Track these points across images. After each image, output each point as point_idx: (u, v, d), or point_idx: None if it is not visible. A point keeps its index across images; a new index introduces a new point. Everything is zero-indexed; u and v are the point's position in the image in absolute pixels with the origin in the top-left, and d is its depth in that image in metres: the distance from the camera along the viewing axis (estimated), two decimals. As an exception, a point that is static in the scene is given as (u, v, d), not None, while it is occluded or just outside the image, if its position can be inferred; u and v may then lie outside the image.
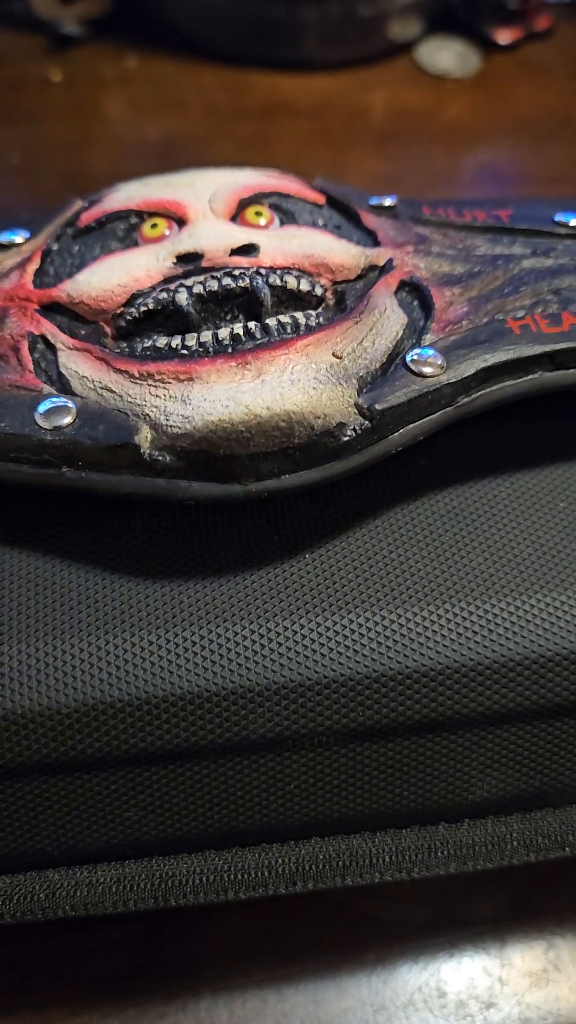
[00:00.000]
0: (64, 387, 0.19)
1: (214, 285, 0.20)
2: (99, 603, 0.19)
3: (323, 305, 0.21)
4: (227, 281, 0.20)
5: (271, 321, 0.20)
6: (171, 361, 0.19)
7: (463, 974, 0.25)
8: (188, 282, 0.20)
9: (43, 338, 0.20)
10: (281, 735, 0.19)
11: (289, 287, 0.20)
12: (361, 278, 0.22)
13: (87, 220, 0.22)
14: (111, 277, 0.21)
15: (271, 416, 0.18)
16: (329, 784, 0.19)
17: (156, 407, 0.19)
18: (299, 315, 0.20)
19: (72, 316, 0.21)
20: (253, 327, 0.20)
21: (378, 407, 0.19)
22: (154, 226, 0.22)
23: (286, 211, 0.23)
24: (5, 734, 0.18)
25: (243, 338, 0.20)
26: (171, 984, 0.25)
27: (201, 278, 0.20)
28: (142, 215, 0.22)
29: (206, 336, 0.20)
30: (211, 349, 0.20)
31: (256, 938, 0.26)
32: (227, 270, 0.20)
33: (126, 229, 0.22)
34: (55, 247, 0.22)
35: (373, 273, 0.22)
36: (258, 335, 0.20)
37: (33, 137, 0.47)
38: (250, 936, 0.26)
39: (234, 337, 0.20)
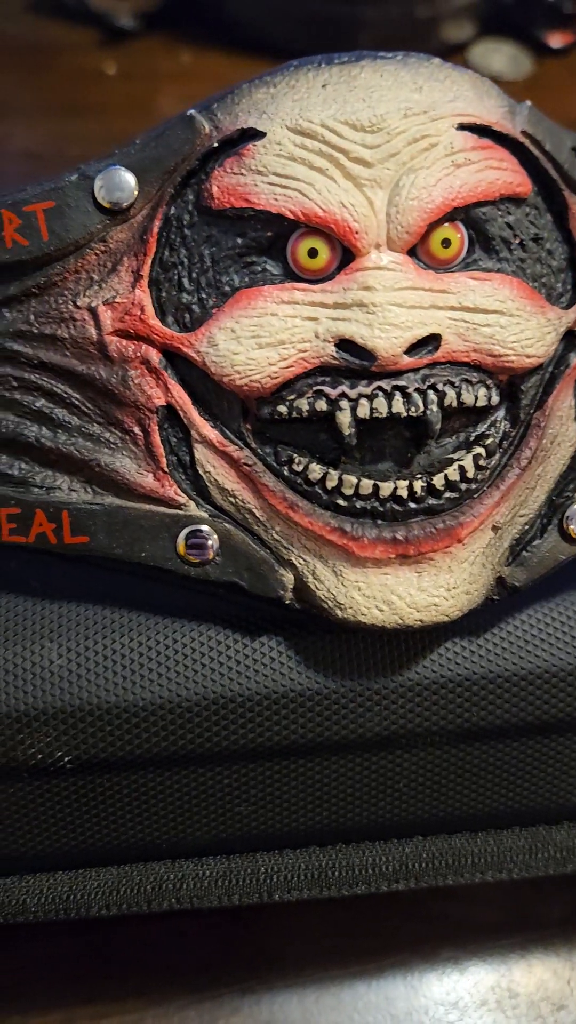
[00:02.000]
0: (200, 491, 0.18)
1: (382, 408, 0.17)
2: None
3: (492, 418, 0.18)
4: (398, 406, 0.17)
5: (438, 480, 0.18)
6: (327, 521, 0.18)
7: (534, 976, 0.26)
8: (352, 392, 0.17)
9: (171, 410, 0.18)
10: (396, 734, 0.19)
11: (464, 403, 0.18)
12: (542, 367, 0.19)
13: (222, 199, 0.17)
14: (262, 353, 0.17)
15: (421, 626, 0.18)
16: (437, 783, 0.19)
17: (304, 561, 0.18)
18: (466, 461, 0.18)
19: (203, 375, 0.18)
20: (419, 490, 0.18)
21: (518, 584, 0.18)
22: (313, 253, 0.17)
23: (480, 230, 0.18)
24: (125, 726, 0.18)
25: (406, 501, 0.18)
26: (246, 978, 0.25)
27: (367, 390, 0.17)
28: (298, 225, 0.17)
29: (366, 486, 0.18)
30: (369, 508, 0.18)
31: (330, 934, 0.26)
32: (399, 384, 0.17)
33: (272, 239, 0.18)
34: (176, 236, 0.18)
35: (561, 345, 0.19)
36: (420, 498, 0.18)
37: (91, 130, 0.47)
38: (324, 932, 0.26)
39: (395, 498, 0.18)
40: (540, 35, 0.54)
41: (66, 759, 0.18)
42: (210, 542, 0.18)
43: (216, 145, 0.17)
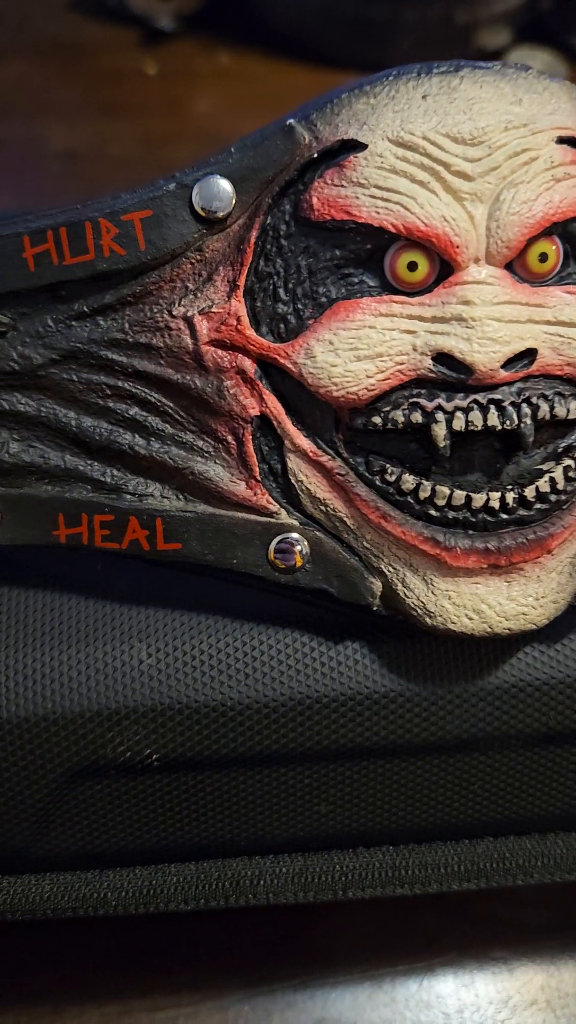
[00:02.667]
0: (291, 499, 0.18)
1: (477, 421, 0.17)
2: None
3: None
4: (493, 419, 0.17)
5: (529, 492, 0.18)
6: (419, 531, 0.18)
7: (585, 976, 0.26)
8: (448, 405, 0.17)
9: (264, 419, 0.18)
10: (475, 737, 0.19)
11: (557, 416, 0.18)
12: None
13: (322, 211, 0.17)
14: (360, 366, 0.17)
15: (509, 634, 0.18)
16: (512, 786, 0.20)
17: (394, 569, 0.18)
18: (557, 473, 0.18)
19: (298, 386, 0.18)
20: (511, 501, 0.18)
21: None
22: (412, 267, 0.17)
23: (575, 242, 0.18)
24: (212, 725, 0.18)
25: (498, 512, 0.18)
26: (299, 974, 0.26)
27: (463, 403, 0.17)
28: (397, 238, 0.17)
29: (458, 497, 0.18)
30: (461, 518, 0.18)
31: (380, 933, 0.26)
32: (494, 398, 0.17)
33: (371, 251, 0.18)
34: (272, 246, 0.18)
35: None
36: (512, 509, 0.18)
37: (131, 130, 0.48)
38: (374, 931, 0.26)
39: (487, 509, 0.18)
40: None
41: (153, 757, 0.18)
42: (300, 549, 0.18)
43: (316, 156, 0.17)
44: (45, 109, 0.48)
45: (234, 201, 0.17)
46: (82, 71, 0.51)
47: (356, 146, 0.17)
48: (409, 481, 0.18)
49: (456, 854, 0.20)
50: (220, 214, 0.17)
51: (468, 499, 0.18)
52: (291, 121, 0.17)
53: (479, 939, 0.26)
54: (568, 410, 0.18)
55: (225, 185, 0.17)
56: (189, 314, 0.17)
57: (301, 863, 0.20)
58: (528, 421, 0.17)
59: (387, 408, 0.17)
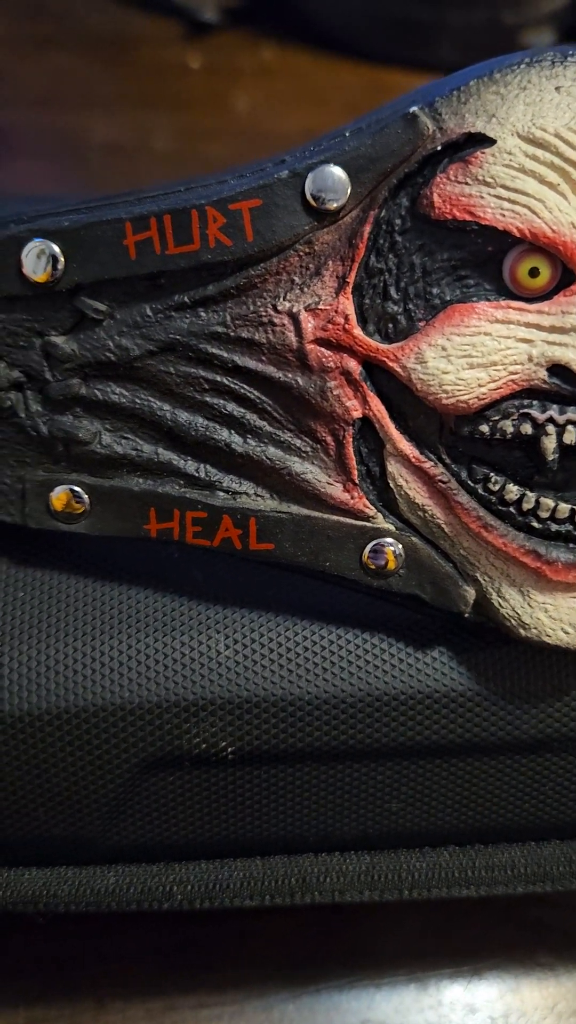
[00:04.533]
0: (388, 504, 0.18)
1: None
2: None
3: None
4: None
5: None
6: (520, 543, 0.18)
7: None
8: (560, 418, 0.17)
9: (366, 422, 0.18)
10: (550, 737, 0.19)
11: None
12: None
13: (443, 208, 0.16)
14: (472, 374, 0.17)
15: None
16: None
17: (489, 578, 0.18)
18: None
19: (403, 389, 0.17)
20: None
21: None
22: (534, 273, 0.17)
23: None
24: (289, 719, 0.18)
25: None
26: (345, 974, 0.25)
27: (575, 416, 0.17)
28: (519, 241, 0.17)
29: (563, 510, 0.18)
30: (563, 532, 0.18)
31: (426, 935, 0.26)
32: None
33: (491, 253, 0.17)
34: (385, 242, 0.17)
35: None
36: None
37: (174, 123, 0.48)
38: (420, 933, 0.26)
39: None
40: (618, 46, 0.54)
41: (229, 749, 0.18)
42: (396, 554, 0.18)
43: (439, 148, 0.16)
44: (88, 101, 0.48)
45: (349, 192, 0.16)
46: (125, 63, 0.50)
47: (483, 140, 0.16)
48: (513, 492, 0.17)
49: (523, 856, 0.20)
50: (333, 206, 0.16)
51: (572, 512, 0.17)
52: (414, 109, 0.16)
53: (525, 944, 0.26)
54: None
55: (341, 175, 0.16)
56: (295, 310, 0.17)
57: (368, 861, 0.20)
58: None
59: (496, 417, 0.17)
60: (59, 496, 0.18)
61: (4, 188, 0.42)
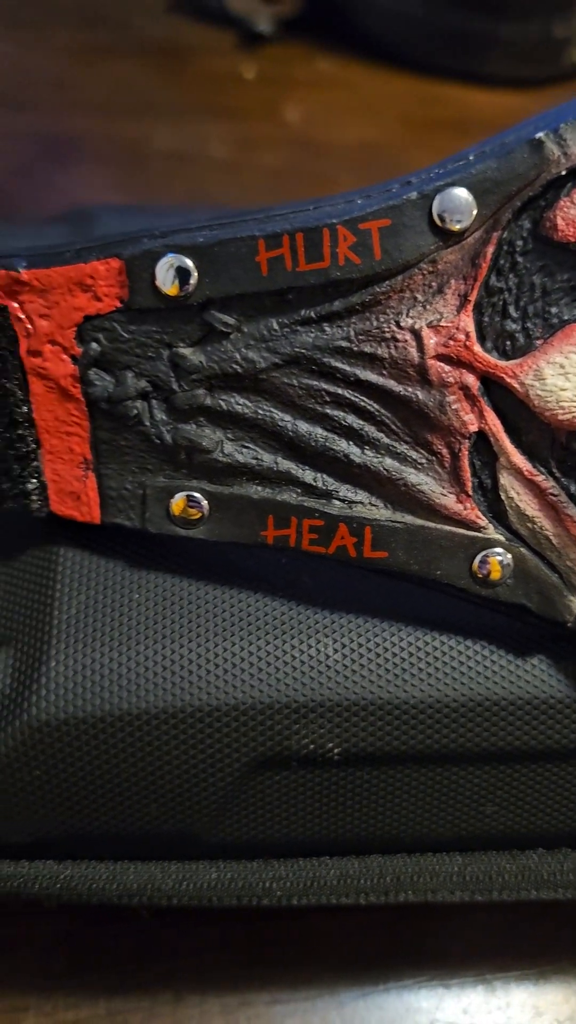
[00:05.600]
0: (498, 515, 0.18)
1: None
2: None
3: None
4: None
5: None
6: None
7: None
8: None
9: (481, 435, 0.18)
10: None
11: None
12: None
13: (567, 231, 0.17)
14: None
15: None
16: None
17: None
18: None
19: (519, 404, 0.18)
20: None
21: None
22: None
23: None
24: (395, 722, 0.19)
25: None
26: (414, 974, 0.26)
27: None
28: None
29: None
30: None
31: (493, 935, 0.27)
32: None
33: None
34: (506, 262, 0.17)
35: None
36: None
37: (231, 132, 0.48)
38: (487, 934, 0.27)
39: None
40: None
41: (335, 751, 0.19)
42: (504, 564, 0.18)
43: (563, 173, 0.17)
44: (147, 109, 0.49)
45: (474, 214, 0.17)
46: (182, 73, 0.51)
47: None
48: None
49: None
50: (458, 227, 0.17)
51: None
52: (540, 135, 0.17)
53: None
54: None
55: (467, 197, 0.17)
56: (417, 326, 0.17)
57: (460, 862, 0.21)
58: None
59: None
60: (179, 502, 0.19)
61: (76, 195, 0.43)
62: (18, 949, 0.26)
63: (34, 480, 0.19)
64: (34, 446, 0.19)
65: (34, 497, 0.19)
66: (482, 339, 0.18)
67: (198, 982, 0.26)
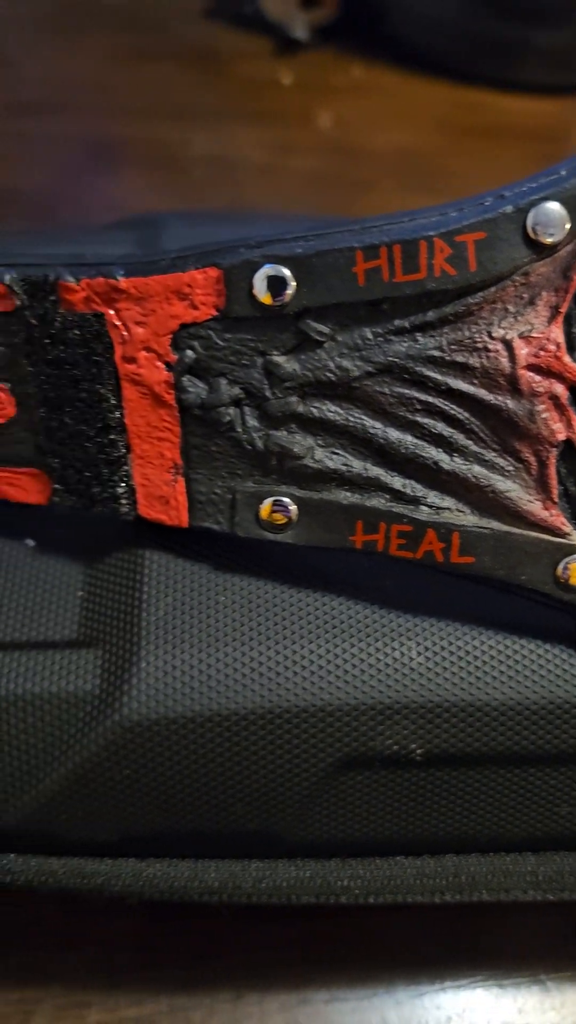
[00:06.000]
0: None
1: None
2: None
3: None
4: None
5: None
6: None
7: None
8: None
9: (568, 443, 0.18)
10: None
11: None
12: None
13: None
14: None
15: None
16: None
17: None
18: None
19: None
20: None
21: None
22: None
23: None
24: (476, 724, 0.19)
25: None
26: (469, 974, 0.26)
27: None
28: None
29: None
30: None
31: (547, 937, 0.27)
32: None
33: None
34: None
35: None
36: None
37: (270, 137, 0.49)
38: (542, 935, 0.27)
39: None
40: None
41: (418, 751, 0.19)
42: None
43: None
44: (186, 113, 0.50)
45: (567, 228, 0.17)
46: (219, 78, 0.52)
47: None
48: None
49: None
50: (551, 240, 0.17)
51: None
52: None
53: None
54: None
55: (560, 211, 0.17)
56: (508, 337, 0.18)
57: (533, 862, 0.21)
58: None
59: None
60: (268, 507, 0.19)
61: (117, 198, 0.43)
62: (81, 946, 0.26)
63: (123, 484, 0.20)
64: (125, 451, 0.19)
65: (123, 501, 0.20)
66: (572, 350, 0.18)
67: (257, 979, 0.26)
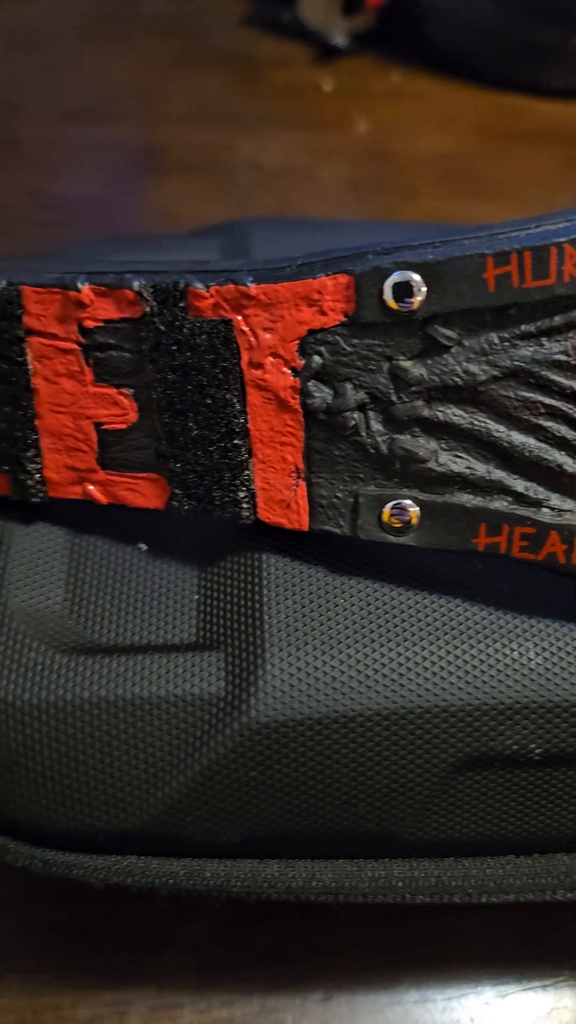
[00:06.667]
0: None
1: None
2: None
3: None
4: None
5: None
6: None
7: None
8: None
9: None
10: None
11: None
12: None
13: None
14: None
15: None
16: None
17: None
18: None
19: None
20: None
21: None
22: None
23: None
24: None
25: None
26: (553, 974, 0.26)
27: None
28: None
29: None
30: None
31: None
32: None
33: None
34: None
35: None
36: None
37: (312, 143, 0.49)
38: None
39: None
40: None
41: (536, 751, 0.19)
42: None
43: None
44: (229, 119, 0.50)
45: None
46: (260, 84, 0.52)
47: None
48: None
49: None
50: None
51: None
52: None
53: None
54: None
55: None
56: None
57: None
58: None
59: None
60: (390, 510, 0.19)
61: (166, 204, 0.43)
62: (173, 947, 0.26)
63: (244, 489, 0.20)
64: (247, 456, 0.20)
65: (244, 505, 0.20)
66: None
67: (347, 980, 0.26)
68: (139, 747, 0.19)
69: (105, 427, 0.20)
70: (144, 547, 0.21)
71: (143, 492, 0.20)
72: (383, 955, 0.27)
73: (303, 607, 0.20)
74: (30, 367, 0.20)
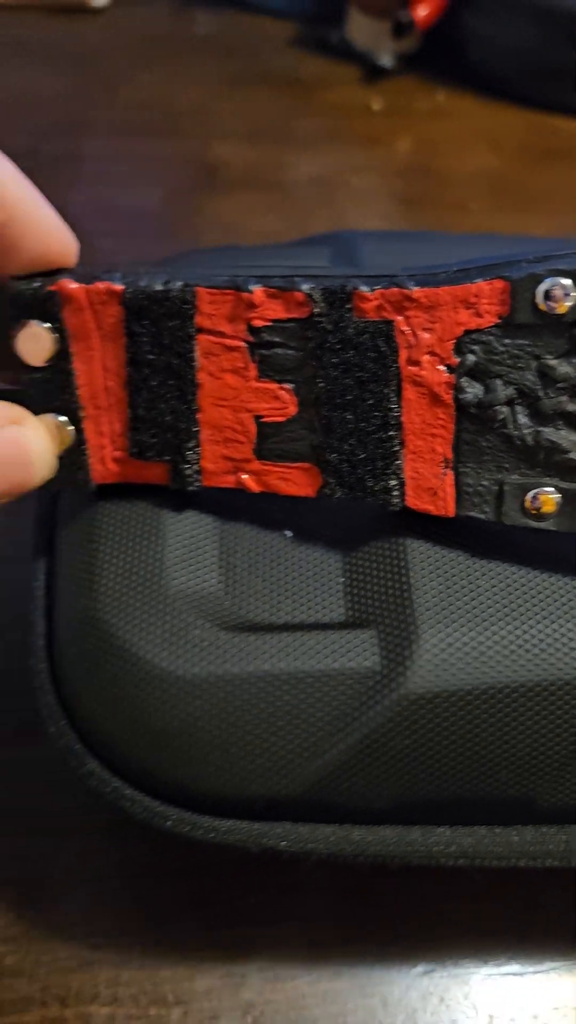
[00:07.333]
0: None
1: None
2: None
3: None
4: None
5: None
6: None
7: None
8: None
9: None
10: None
11: None
12: None
13: None
14: None
15: None
16: None
17: None
18: None
19: None
20: None
21: None
22: None
23: None
24: None
25: None
26: None
27: None
28: None
29: None
30: None
31: None
32: None
33: None
34: None
35: None
36: None
37: (367, 159, 0.51)
38: None
39: None
40: None
41: None
42: None
43: None
44: (282, 137, 0.52)
45: None
46: (311, 103, 0.54)
47: None
48: None
49: None
50: None
51: None
52: None
53: None
54: None
55: None
56: None
57: None
58: None
59: None
60: (532, 498, 0.21)
61: (227, 218, 0.45)
62: (284, 921, 0.27)
63: (395, 478, 0.21)
64: (399, 446, 0.21)
65: (394, 493, 0.21)
66: None
67: (448, 953, 0.28)
68: (300, 718, 0.21)
69: (264, 420, 0.21)
70: (289, 534, 0.23)
71: (296, 481, 0.22)
72: (476, 930, 0.28)
73: (449, 588, 0.21)
74: (197, 363, 0.21)
